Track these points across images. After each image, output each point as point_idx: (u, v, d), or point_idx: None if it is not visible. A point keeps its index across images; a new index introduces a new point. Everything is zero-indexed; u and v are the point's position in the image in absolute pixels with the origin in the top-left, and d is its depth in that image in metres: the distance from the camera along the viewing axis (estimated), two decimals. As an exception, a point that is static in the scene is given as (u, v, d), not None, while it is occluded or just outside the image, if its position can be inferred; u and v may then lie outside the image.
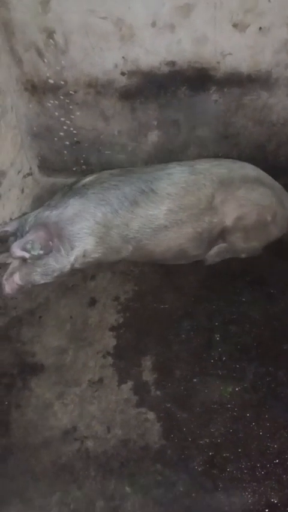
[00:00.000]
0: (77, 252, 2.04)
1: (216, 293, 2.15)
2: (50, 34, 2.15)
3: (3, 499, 1.62)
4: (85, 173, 2.34)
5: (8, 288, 2.07)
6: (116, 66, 2.24)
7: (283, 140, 2.52)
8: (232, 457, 1.67)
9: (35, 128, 2.56)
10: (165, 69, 2.23)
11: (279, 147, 2.55)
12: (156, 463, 1.67)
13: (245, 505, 1.56)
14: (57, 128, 2.54)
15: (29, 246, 1.93)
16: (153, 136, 2.53)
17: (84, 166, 2.71)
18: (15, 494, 1.63)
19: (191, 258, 2.21)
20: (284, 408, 1.77)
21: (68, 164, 2.72)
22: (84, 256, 2.07)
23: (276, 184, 2.25)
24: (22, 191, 2.58)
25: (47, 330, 2.08)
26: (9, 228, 2.11)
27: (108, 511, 1.58)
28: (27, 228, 2.03)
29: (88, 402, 1.83)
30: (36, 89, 2.38)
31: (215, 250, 2.22)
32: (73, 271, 2.14)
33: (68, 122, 2.49)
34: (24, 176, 2.62)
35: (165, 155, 2.55)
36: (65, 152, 2.65)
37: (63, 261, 2.04)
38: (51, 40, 2.17)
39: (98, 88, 2.33)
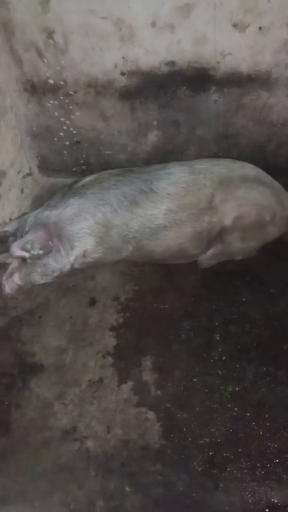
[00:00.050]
0: (77, 252, 2.04)
1: (216, 293, 2.15)
2: (50, 34, 2.15)
3: (3, 499, 1.62)
4: (85, 174, 2.34)
5: (7, 288, 2.06)
6: (115, 66, 2.24)
7: (283, 141, 2.52)
8: (232, 457, 1.67)
9: (34, 129, 2.56)
10: (165, 69, 2.23)
11: (279, 147, 2.55)
12: (156, 462, 1.67)
13: (245, 505, 1.56)
14: (57, 129, 2.54)
15: (28, 246, 1.93)
16: (153, 136, 2.53)
17: (84, 166, 2.71)
18: (15, 494, 1.63)
19: (190, 257, 2.21)
20: (284, 408, 1.77)
21: (68, 165, 2.72)
22: (84, 256, 2.06)
23: (276, 184, 2.25)
24: (22, 191, 2.58)
25: (46, 330, 2.08)
26: (9, 228, 2.11)
27: (108, 510, 1.58)
28: (26, 228, 2.03)
29: (88, 402, 1.83)
30: (36, 89, 2.38)
31: (210, 252, 2.21)
32: (73, 271, 2.14)
33: (68, 122, 2.49)
34: (24, 177, 2.62)
35: (165, 155, 2.55)
36: (65, 152, 2.65)
37: (63, 261, 2.04)
38: (51, 40, 2.17)
39: (97, 88, 2.33)
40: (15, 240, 2.02)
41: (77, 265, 2.10)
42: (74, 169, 2.73)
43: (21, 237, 2.00)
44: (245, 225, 2.11)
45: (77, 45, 2.17)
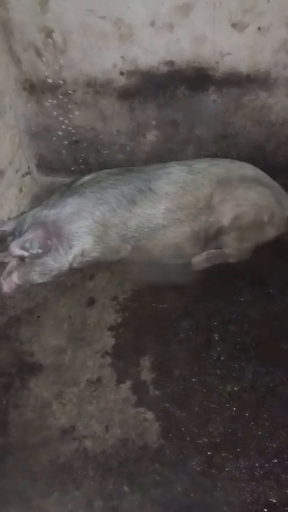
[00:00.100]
0: (76, 251, 2.04)
1: (216, 293, 2.15)
2: (49, 34, 2.15)
3: (1, 499, 1.61)
4: (84, 173, 2.34)
5: (6, 288, 2.06)
6: (114, 66, 2.24)
7: (282, 140, 2.52)
8: (231, 457, 1.66)
9: (33, 128, 2.56)
10: (164, 69, 2.23)
11: (278, 147, 2.55)
12: (154, 462, 1.67)
13: (243, 505, 1.56)
14: (55, 128, 2.54)
15: (27, 245, 1.92)
16: (152, 136, 2.53)
17: (82, 166, 2.71)
18: (14, 493, 1.62)
19: (188, 256, 2.21)
20: (283, 408, 1.77)
21: (67, 164, 2.71)
22: (82, 255, 2.06)
23: (275, 184, 2.25)
24: (20, 190, 2.58)
25: (45, 329, 2.08)
26: (7, 228, 2.11)
27: (107, 510, 1.57)
28: (25, 227, 2.03)
29: (87, 402, 1.83)
30: (34, 88, 2.37)
31: (203, 255, 2.19)
32: (72, 271, 2.14)
33: (67, 121, 2.49)
34: (23, 176, 2.62)
35: (164, 155, 2.55)
36: (64, 151, 2.65)
37: (61, 260, 2.04)
38: (49, 40, 2.17)
39: (96, 87, 2.33)
40: (13, 240, 2.02)
41: (75, 265, 2.09)
42: (72, 168, 2.73)
43: (20, 236, 2.00)
44: (243, 225, 2.11)
45: (76, 44, 2.17)
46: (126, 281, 2.23)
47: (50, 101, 2.40)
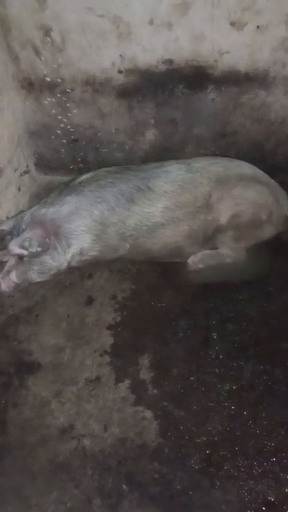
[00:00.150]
0: (74, 249, 2.04)
1: (214, 291, 2.15)
2: (47, 32, 2.14)
3: (0, 498, 1.61)
4: (82, 171, 2.34)
5: (4, 286, 2.06)
6: (113, 64, 2.24)
7: (281, 139, 2.52)
8: (229, 455, 1.66)
9: (31, 126, 2.55)
10: (163, 67, 2.23)
11: (277, 146, 2.55)
12: (153, 461, 1.67)
13: (242, 503, 1.56)
14: (54, 126, 2.53)
15: (26, 244, 1.92)
16: (151, 134, 2.52)
17: (81, 164, 2.70)
18: (13, 492, 1.62)
19: (186, 255, 2.20)
20: (281, 406, 1.77)
21: (65, 162, 2.71)
22: (81, 254, 2.06)
23: (273, 183, 2.25)
24: (19, 189, 2.58)
25: (44, 328, 2.08)
26: (5, 227, 2.11)
27: (105, 509, 1.57)
28: (23, 226, 2.03)
29: (85, 401, 1.83)
30: (33, 86, 2.37)
31: (198, 255, 2.18)
32: (70, 270, 2.14)
33: (65, 120, 2.49)
34: (21, 174, 2.61)
35: (163, 154, 2.54)
36: (62, 150, 2.65)
37: (60, 259, 2.04)
38: (48, 38, 2.16)
39: (95, 86, 2.32)
40: (12, 239, 2.02)
41: (74, 263, 2.09)
42: (71, 167, 2.72)
43: (18, 235, 2.00)
44: (241, 223, 2.11)
45: (75, 43, 2.17)
46: (124, 280, 2.23)
47: (49, 99, 2.40)
